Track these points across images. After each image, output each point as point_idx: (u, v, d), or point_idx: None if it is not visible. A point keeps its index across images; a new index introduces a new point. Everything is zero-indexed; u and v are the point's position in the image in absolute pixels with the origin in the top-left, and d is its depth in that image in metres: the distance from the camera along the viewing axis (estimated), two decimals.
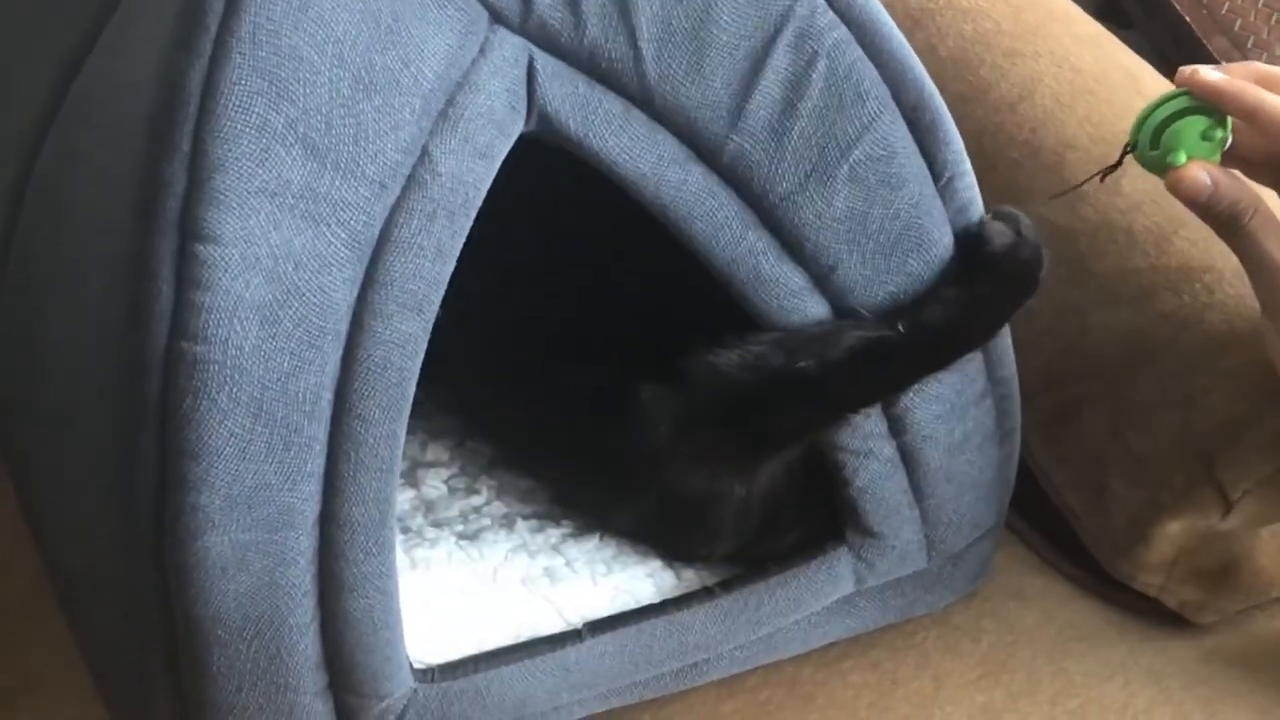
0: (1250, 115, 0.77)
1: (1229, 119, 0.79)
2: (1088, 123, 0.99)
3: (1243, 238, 0.79)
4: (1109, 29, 1.11)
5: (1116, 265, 0.94)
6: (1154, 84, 1.04)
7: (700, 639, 0.85)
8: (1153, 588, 0.93)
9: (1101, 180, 0.84)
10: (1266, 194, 0.82)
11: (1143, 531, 0.92)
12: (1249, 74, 0.79)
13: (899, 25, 0.77)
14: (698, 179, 0.73)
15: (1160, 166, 0.79)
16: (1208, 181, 0.78)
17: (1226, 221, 0.79)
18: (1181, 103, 0.78)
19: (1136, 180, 0.95)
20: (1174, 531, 0.91)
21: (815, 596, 0.86)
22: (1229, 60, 1.46)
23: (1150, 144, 0.79)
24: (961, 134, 0.79)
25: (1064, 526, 0.97)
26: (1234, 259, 0.91)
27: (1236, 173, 0.79)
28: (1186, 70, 0.79)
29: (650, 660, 0.84)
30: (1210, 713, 0.87)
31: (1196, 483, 0.90)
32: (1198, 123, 0.78)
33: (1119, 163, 0.81)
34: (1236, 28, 1.52)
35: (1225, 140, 0.79)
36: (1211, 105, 0.78)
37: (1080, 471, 0.96)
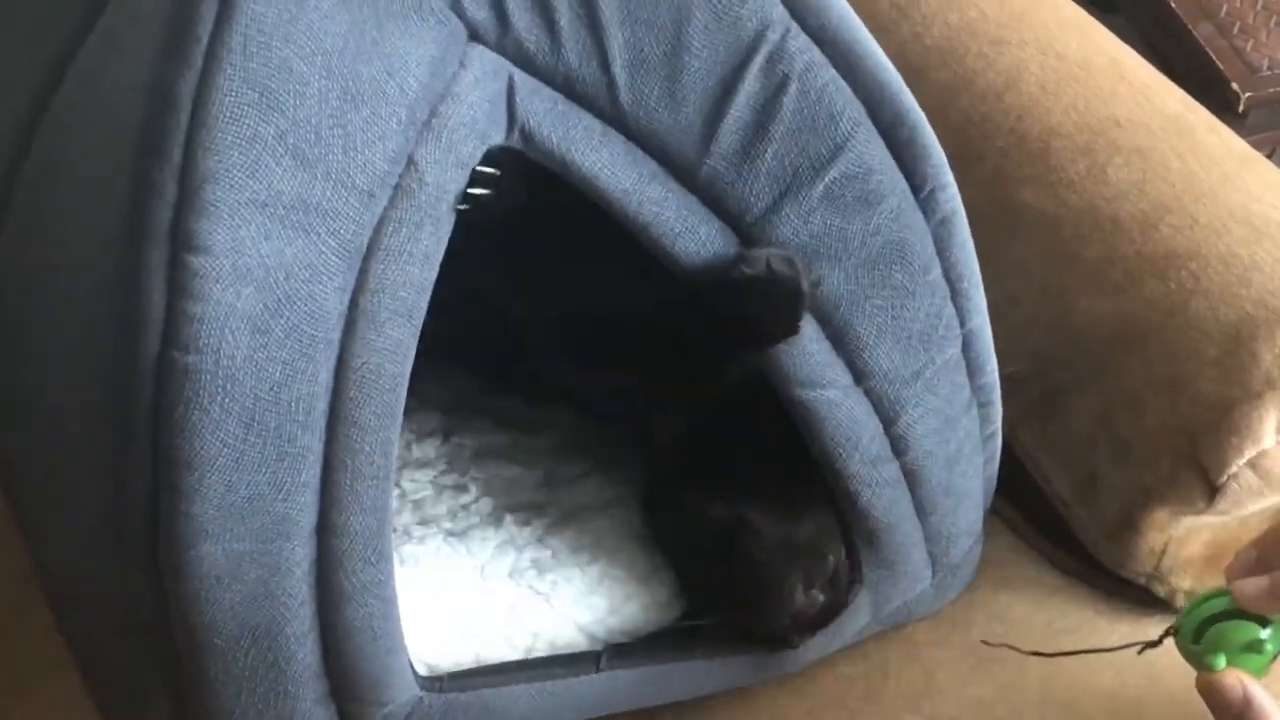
0: None
1: None
2: (1073, 110, 0.99)
3: None
4: (1093, 14, 1.10)
5: (1102, 252, 0.94)
6: (1138, 69, 1.04)
7: (723, 678, 0.86)
8: (1142, 575, 0.93)
9: (1139, 653, 0.75)
10: None
11: (1131, 518, 0.92)
12: None
13: (883, 15, 0.76)
14: (678, 197, 0.73)
15: (1198, 663, 0.71)
16: (1240, 695, 0.69)
17: None
18: (1228, 602, 0.70)
19: (1121, 169, 0.95)
20: (1162, 518, 0.91)
21: (834, 636, 0.87)
22: (1214, 48, 1.46)
23: (1192, 637, 0.71)
24: (948, 123, 0.79)
25: (1053, 514, 0.97)
26: (1220, 246, 0.92)
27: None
28: (1230, 574, 0.70)
29: (667, 692, 0.85)
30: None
31: (1182, 467, 0.90)
32: (1245, 629, 0.70)
33: (1159, 642, 0.74)
34: (1223, 14, 1.51)
35: (1276, 655, 0.70)
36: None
37: (1068, 457, 0.96)
